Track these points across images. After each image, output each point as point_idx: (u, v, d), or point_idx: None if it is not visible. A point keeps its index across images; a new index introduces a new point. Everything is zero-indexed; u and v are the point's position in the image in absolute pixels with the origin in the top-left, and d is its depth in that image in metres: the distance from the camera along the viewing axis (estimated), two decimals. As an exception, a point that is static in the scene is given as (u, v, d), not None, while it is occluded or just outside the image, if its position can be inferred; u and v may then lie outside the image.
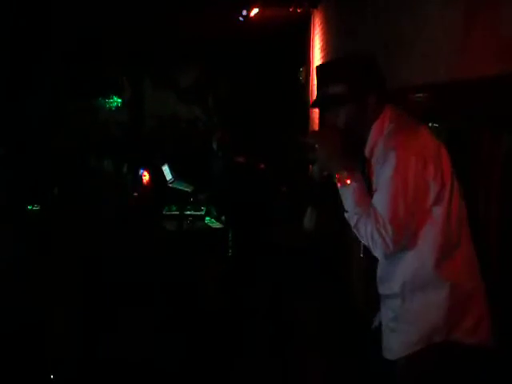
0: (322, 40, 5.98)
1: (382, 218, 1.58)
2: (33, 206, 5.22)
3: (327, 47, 5.66)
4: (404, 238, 1.61)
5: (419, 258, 1.65)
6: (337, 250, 4.09)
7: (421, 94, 2.42)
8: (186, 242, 4.70)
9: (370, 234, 1.60)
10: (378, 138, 1.71)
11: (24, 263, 3.81)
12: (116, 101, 9.25)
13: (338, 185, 1.71)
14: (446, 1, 2.22)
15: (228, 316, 3.88)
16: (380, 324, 1.85)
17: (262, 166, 5.52)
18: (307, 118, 7.18)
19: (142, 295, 4.13)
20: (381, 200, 1.61)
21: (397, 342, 1.72)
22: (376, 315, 1.93)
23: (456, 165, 1.70)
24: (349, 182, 1.68)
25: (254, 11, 6.22)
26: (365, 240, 1.64)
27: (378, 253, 1.64)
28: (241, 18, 6.27)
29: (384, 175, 1.61)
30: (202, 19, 7.15)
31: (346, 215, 1.71)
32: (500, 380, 1.75)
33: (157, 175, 5.93)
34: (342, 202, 1.74)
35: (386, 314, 1.78)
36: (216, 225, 4.90)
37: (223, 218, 4.85)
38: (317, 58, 6.42)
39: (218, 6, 6.35)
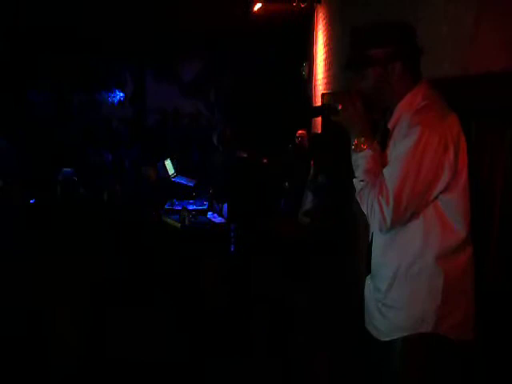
0: (326, 35, 5.96)
1: (386, 190, 1.57)
2: (35, 201, 5.23)
3: (331, 42, 5.65)
4: (402, 216, 1.60)
5: (422, 246, 1.63)
6: (339, 243, 4.09)
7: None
8: (188, 236, 4.70)
9: (371, 203, 1.60)
10: (406, 112, 1.66)
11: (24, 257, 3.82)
12: (118, 95, 9.25)
13: (354, 150, 1.71)
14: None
15: (230, 312, 3.88)
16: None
17: (265, 160, 5.52)
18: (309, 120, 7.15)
19: (144, 291, 4.13)
20: (391, 172, 1.59)
21: (384, 324, 1.75)
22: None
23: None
24: (365, 148, 1.68)
25: (258, 6, 6.20)
26: (364, 208, 1.65)
27: (374, 224, 1.64)
28: (244, 13, 6.26)
29: (402, 148, 1.58)
30: (205, 13, 7.14)
31: (354, 180, 1.72)
32: (476, 375, 1.80)
33: (159, 169, 5.93)
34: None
35: (374, 295, 1.79)
36: (218, 219, 4.90)
37: (225, 212, 4.85)
38: (320, 53, 6.40)
39: (222, 0, 6.35)
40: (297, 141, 5.91)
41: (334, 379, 3.13)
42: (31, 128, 7.71)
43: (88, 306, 3.75)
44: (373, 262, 1.80)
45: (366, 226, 1.82)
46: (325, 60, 6.00)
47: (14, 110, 7.75)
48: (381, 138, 1.76)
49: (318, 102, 6.41)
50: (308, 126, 6.94)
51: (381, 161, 1.68)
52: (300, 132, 5.95)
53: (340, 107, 1.74)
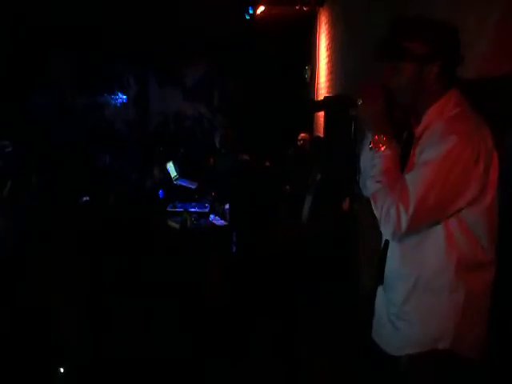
0: (328, 38, 5.97)
1: (407, 197, 1.47)
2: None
3: (333, 45, 5.66)
4: (418, 226, 1.52)
5: (444, 259, 1.55)
6: (343, 245, 4.09)
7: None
8: (190, 239, 4.70)
9: (387, 207, 1.51)
10: (437, 119, 1.57)
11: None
12: (121, 97, 9.27)
13: (372, 148, 1.62)
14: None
15: (232, 314, 3.88)
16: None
17: (267, 163, 5.53)
18: (312, 116, 7.18)
19: (146, 293, 4.13)
20: (416, 178, 1.49)
21: (396, 338, 1.67)
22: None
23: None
24: (383, 148, 1.60)
25: (261, 9, 6.22)
26: (378, 212, 1.54)
27: (386, 230, 1.55)
28: (247, 16, 6.27)
29: (431, 155, 1.48)
30: (208, 17, 7.16)
31: (368, 180, 1.63)
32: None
33: (161, 172, 5.94)
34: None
35: (388, 308, 1.71)
36: (220, 222, 4.90)
37: (227, 215, 4.86)
38: (322, 56, 6.42)
39: (224, 3, 6.36)
40: (299, 143, 5.91)
41: (335, 380, 3.13)
42: (33, 130, 7.73)
43: (90, 306, 3.76)
44: (387, 272, 1.72)
45: (373, 228, 1.78)
46: (327, 63, 6.01)
47: (16, 112, 7.77)
48: (404, 142, 1.68)
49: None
50: (310, 128, 6.96)
51: (399, 164, 1.60)
52: (302, 135, 5.96)
53: (360, 101, 1.63)
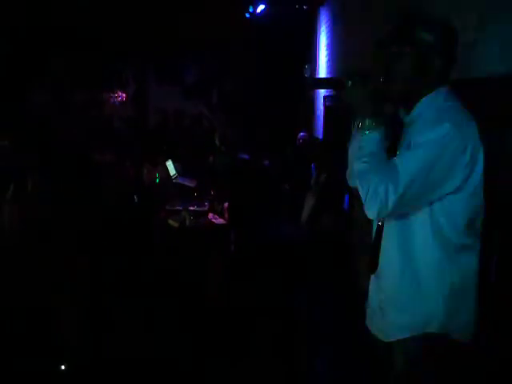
0: (328, 37, 5.97)
1: (397, 177, 1.52)
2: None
3: (333, 45, 5.65)
4: (405, 205, 1.57)
5: (431, 244, 1.61)
6: (341, 245, 4.09)
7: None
8: (189, 237, 4.69)
9: (374, 186, 1.54)
10: (427, 110, 1.63)
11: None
12: (120, 95, 9.25)
13: (358, 130, 1.67)
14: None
15: (230, 313, 3.88)
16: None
17: (267, 162, 5.52)
18: (312, 115, 7.17)
19: (145, 292, 4.13)
20: (408, 159, 1.55)
21: (388, 325, 1.73)
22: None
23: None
24: (370, 131, 1.64)
25: (261, 7, 6.21)
26: (364, 191, 1.58)
27: (372, 208, 1.57)
28: (247, 14, 6.26)
29: (423, 139, 1.54)
30: (208, 15, 7.15)
31: (354, 164, 1.66)
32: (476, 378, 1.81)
33: (160, 170, 5.93)
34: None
35: (378, 295, 1.77)
36: (219, 221, 4.90)
37: (226, 213, 4.85)
38: (322, 55, 6.41)
39: (224, 1, 6.35)
40: (298, 143, 5.91)
41: (335, 380, 3.13)
42: (33, 130, 7.71)
43: (90, 306, 3.75)
44: (381, 260, 1.76)
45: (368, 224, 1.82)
46: (327, 62, 6.01)
47: (15, 109, 7.75)
48: (392, 129, 1.72)
49: (320, 104, 6.42)
50: (309, 128, 6.95)
51: (384, 147, 1.65)
52: (301, 135, 5.96)
53: (349, 83, 1.66)
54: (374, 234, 1.79)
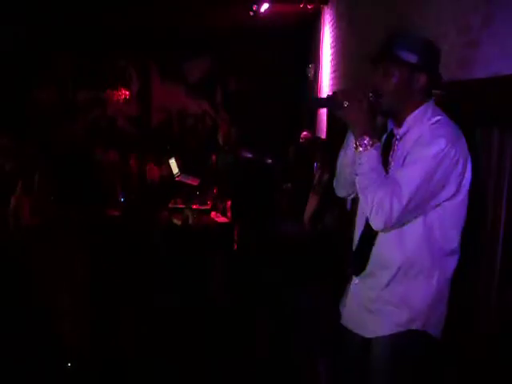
0: (332, 37, 5.96)
1: (400, 190, 1.64)
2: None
3: (337, 44, 5.64)
4: (408, 215, 1.69)
5: (424, 247, 1.74)
6: (343, 246, 4.09)
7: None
8: (192, 235, 4.70)
9: (379, 199, 1.66)
10: (418, 123, 1.76)
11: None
12: (124, 93, 9.26)
13: (357, 148, 1.75)
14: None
15: (233, 311, 3.88)
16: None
17: (270, 160, 5.53)
18: (315, 114, 7.17)
19: (147, 290, 4.13)
20: (408, 173, 1.68)
21: (373, 322, 1.84)
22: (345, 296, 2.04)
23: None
24: (369, 148, 1.73)
25: (265, 6, 6.20)
26: (369, 204, 1.69)
27: (378, 221, 1.69)
28: (251, 13, 6.25)
29: (422, 154, 1.67)
30: (212, 14, 7.15)
31: (356, 179, 1.77)
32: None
33: (163, 169, 5.94)
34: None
35: (364, 293, 1.88)
36: (222, 219, 4.91)
37: (229, 212, 4.86)
38: (326, 54, 6.40)
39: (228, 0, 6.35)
40: (301, 141, 5.91)
41: (335, 380, 3.13)
42: (36, 128, 7.72)
43: (90, 305, 3.76)
44: (373, 261, 1.86)
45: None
46: (331, 62, 6.00)
47: (17, 108, 7.76)
48: (384, 142, 1.85)
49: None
50: (312, 127, 6.95)
51: (381, 161, 1.76)
52: (304, 134, 5.95)
53: (346, 103, 1.75)
54: (358, 238, 1.92)
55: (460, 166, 1.68)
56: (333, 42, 5.92)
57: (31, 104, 8.45)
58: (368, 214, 1.72)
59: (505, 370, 1.80)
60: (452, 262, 1.78)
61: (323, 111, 6.34)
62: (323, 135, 6.25)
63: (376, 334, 1.83)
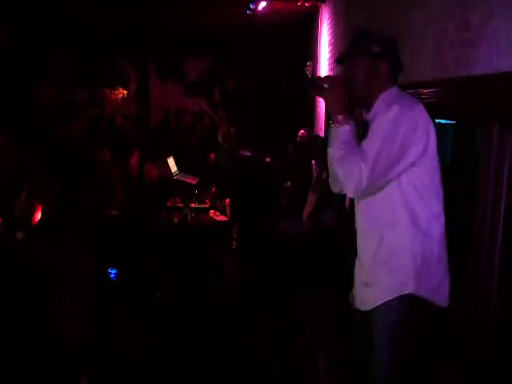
0: (330, 34, 5.95)
1: (365, 155, 1.77)
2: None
3: (335, 42, 5.64)
4: (377, 180, 1.79)
5: (402, 212, 1.84)
6: (342, 244, 4.09)
7: (430, 90, 2.41)
8: (191, 234, 4.70)
9: (349, 167, 1.79)
10: (384, 106, 1.89)
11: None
12: (122, 92, 9.24)
13: (334, 125, 1.89)
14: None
15: (232, 310, 3.88)
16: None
17: (269, 159, 5.52)
18: (313, 112, 7.17)
19: (145, 288, 4.13)
20: (371, 141, 1.81)
21: (371, 294, 1.93)
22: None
23: (464, 161, 1.71)
24: (344, 124, 1.85)
25: (262, 4, 6.19)
26: (341, 173, 1.83)
27: (349, 187, 1.81)
28: (248, 11, 6.24)
29: (380, 122, 1.82)
30: (210, 12, 7.14)
31: (328, 150, 1.89)
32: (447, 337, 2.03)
33: (162, 167, 5.94)
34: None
35: (360, 273, 2.00)
36: (220, 217, 4.90)
37: (228, 210, 4.86)
38: (324, 52, 6.40)
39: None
40: (298, 139, 5.90)
41: (335, 379, 3.13)
42: (34, 125, 7.71)
43: (91, 305, 3.75)
44: (358, 238, 1.99)
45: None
46: (329, 59, 6.00)
47: (18, 106, 7.74)
48: (361, 130, 1.95)
49: (322, 102, 6.40)
50: (311, 125, 6.95)
51: (355, 137, 1.87)
52: (301, 132, 5.95)
53: (326, 86, 1.93)
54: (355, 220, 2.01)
55: (419, 131, 1.78)
56: (330, 39, 5.92)
57: (31, 103, 8.43)
58: (342, 184, 1.84)
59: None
60: (436, 226, 1.85)
61: (322, 111, 6.34)
62: (322, 134, 6.25)
63: (374, 304, 1.91)
